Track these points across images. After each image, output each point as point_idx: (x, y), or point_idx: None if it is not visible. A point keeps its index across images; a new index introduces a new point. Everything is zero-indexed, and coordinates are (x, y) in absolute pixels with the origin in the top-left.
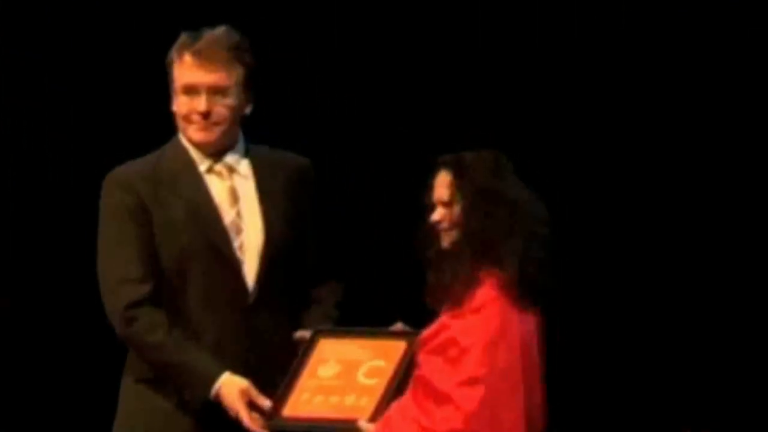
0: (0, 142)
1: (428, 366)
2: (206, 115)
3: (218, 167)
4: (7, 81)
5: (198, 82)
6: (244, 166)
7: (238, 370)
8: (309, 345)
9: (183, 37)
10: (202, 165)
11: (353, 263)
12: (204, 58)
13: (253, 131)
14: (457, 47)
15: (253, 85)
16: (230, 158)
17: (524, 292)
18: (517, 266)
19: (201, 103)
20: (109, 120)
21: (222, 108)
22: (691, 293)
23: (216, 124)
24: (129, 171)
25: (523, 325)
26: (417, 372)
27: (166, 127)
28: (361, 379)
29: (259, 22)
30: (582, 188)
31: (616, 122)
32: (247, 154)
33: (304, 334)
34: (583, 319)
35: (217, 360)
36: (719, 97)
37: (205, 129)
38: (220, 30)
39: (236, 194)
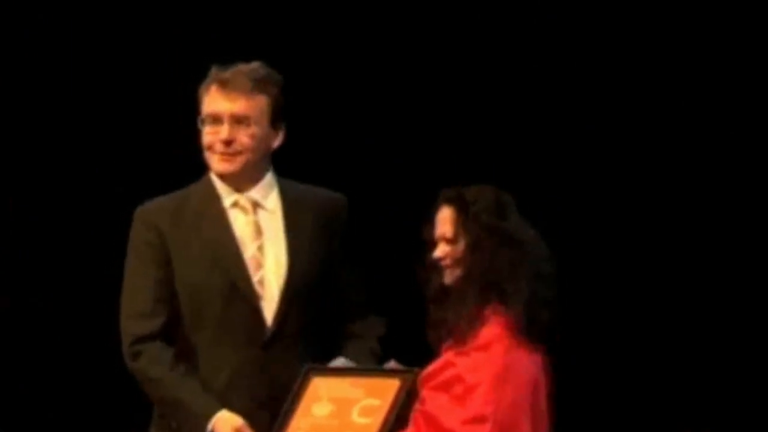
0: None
1: (433, 402)
2: (228, 144)
3: (243, 202)
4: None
5: (221, 110)
6: (272, 201)
7: (253, 405)
8: (302, 383)
9: (212, 70)
10: (227, 200)
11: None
12: (228, 87)
13: (285, 167)
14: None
15: (281, 120)
16: (256, 192)
17: (530, 331)
18: (522, 306)
19: (223, 131)
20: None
21: (244, 137)
22: (690, 295)
23: (238, 153)
24: (155, 207)
25: (530, 363)
26: (421, 408)
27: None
28: (356, 418)
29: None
30: (582, 216)
31: (615, 154)
32: (276, 188)
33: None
34: (583, 319)
35: (230, 394)
36: (721, 123)
37: (227, 159)
38: (252, 64)
39: (260, 229)
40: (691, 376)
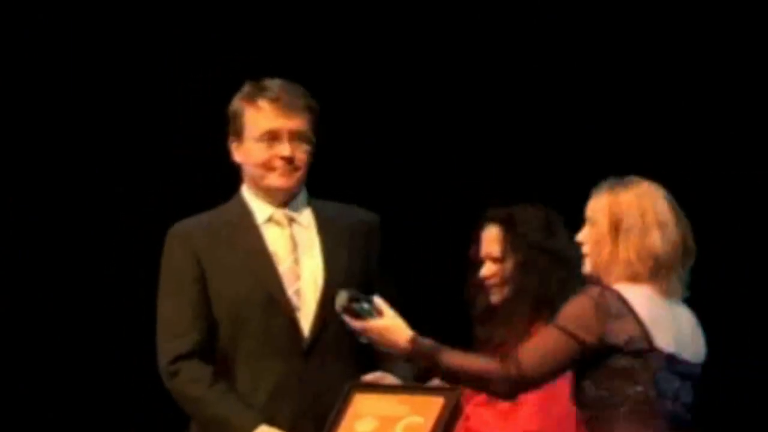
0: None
1: (478, 419)
2: (290, 161)
3: (278, 216)
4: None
5: (280, 127)
6: (306, 217)
7: (295, 417)
8: (344, 400)
9: (249, 87)
10: (261, 215)
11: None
12: (283, 104)
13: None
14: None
15: (315, 137)
16: (291, 208)
17: None
18: None
19: (285, 148)
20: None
21: (303, 154)
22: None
23: (297, 169)
24: (188, 226)
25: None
26: (465, 424)
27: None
28: None
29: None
30: None
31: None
32: (309, 206)
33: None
34: None
35: (272, 406)
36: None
37: (287, 174)
38: (280, 81)
39: (295, 242)
40: None
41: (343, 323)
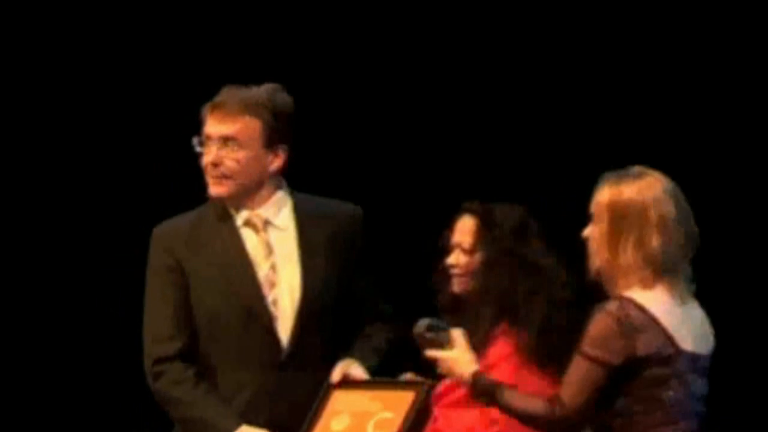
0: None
1: (445, 421)
2: (215, 166)
3: (254, 220)
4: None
5: (210, 132)
6: (283, 219)
7: (272, 427)
8: (323, 397)
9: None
10: (239, 218)
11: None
12: (217, 110)
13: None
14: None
15: (280, 142)
16: (266, 210)
17: (540, 356)
18: (536, 333)
19: (209, 154)
20: None
21: (232, 161)
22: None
23: (226, 176)
24: (170, 229)
25: (539, 387)
26: (433, 426)
27: None
28: (371, 431)
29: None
30: None
31: None
32: (289, 205)
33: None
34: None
35: (249, 417)
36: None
37: (216, 182)
38: (261, 86)
39: (270, 247)
40: None
41: (321, 331)
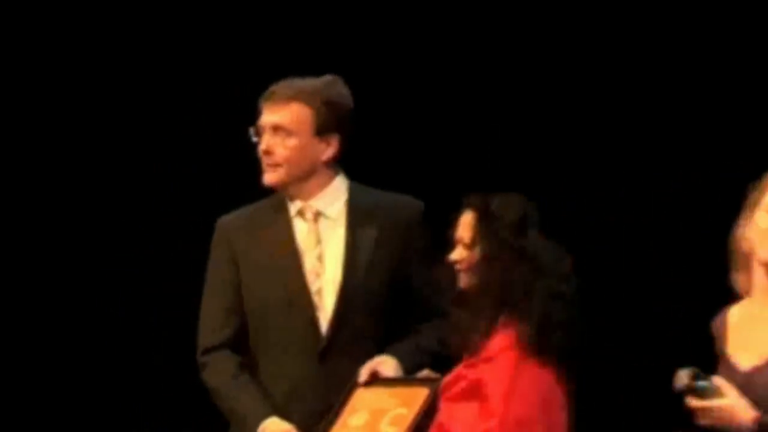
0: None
1: (447, 414)
2: (267, 154)
3: (306, 210)
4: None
5: (263, 123)
6: (335, 210)
7: (311, 417)
8: (345, 396)
9: None
10: (293, 209)
11: None
12: (269, 99)
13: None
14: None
15: (332, 131)
16: (318, 200)
17: (540, 350)
18: (536, 326)
19: (263, 143)
20: None
21: (283, 149)
22: (686, 295)
23: (277, 165)
24: (230, 221)
25: (540, 380)
26: (437, 419)
27: None
28: (384, 427)
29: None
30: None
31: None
32: (344, 197)
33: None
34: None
35: (289, 405)
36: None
37: (267, 170)
38: (318, 78)
39: (319, 238)
40: None
41: (362, 323)
